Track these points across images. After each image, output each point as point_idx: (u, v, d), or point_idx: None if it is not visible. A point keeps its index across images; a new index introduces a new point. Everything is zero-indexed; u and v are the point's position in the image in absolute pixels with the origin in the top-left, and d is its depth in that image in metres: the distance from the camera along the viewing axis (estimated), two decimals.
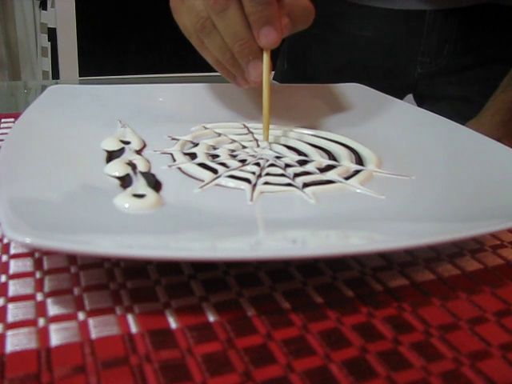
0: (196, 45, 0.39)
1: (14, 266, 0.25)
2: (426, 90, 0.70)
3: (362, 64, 0.70)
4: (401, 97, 0.67)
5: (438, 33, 0.65)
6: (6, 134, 0.43)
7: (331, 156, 0.38)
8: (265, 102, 0.38)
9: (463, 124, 0.41)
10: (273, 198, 0.31)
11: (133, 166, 0.33)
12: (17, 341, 0.20)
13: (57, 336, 0.21)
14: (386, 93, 0.49)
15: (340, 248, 0.24)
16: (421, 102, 0.72)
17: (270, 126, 0.43)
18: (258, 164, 0.35)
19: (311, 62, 0.74)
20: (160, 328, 0.22)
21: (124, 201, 0.28)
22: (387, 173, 0.35)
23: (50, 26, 1.77)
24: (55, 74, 1.78)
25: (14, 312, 0.22)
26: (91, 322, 0.22)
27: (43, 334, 0.21)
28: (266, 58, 0.37)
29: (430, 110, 0.43)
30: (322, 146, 0.40)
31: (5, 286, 0.24)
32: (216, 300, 0.23)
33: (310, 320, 0.22)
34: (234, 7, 0.35)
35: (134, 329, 0.21)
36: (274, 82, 0.72)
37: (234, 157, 0.36)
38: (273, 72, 0.68)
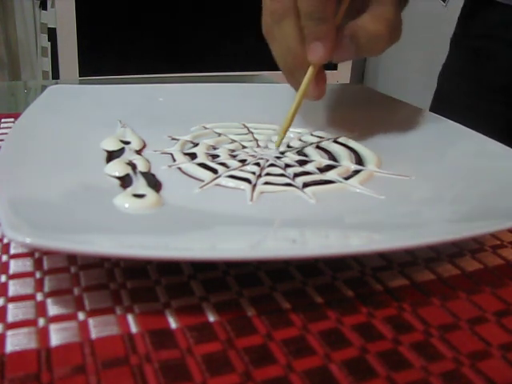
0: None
1: (14, 266, 0.25)
2: None
3: None
4: None
5: None
6: (5, 133, 0.43)
7: (331, 156, 0.38)
8: (290, 114, 0.38)
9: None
10: (273, 197, 0.31)
11: (133, 165, 0.33)
12: (17, 341, 0.20)
13: (57, 336, 0.21)
14: None
15: (340, 248, 0.24)
16: None
17: (271, 126, 0.43)
18: (257, 164, 0.35)
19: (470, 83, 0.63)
20: (160, 328, 0.22)
21: (124, 201, 0.28)
22: (387, 173, 0.35)
23: (49, 26, 1.77)
24: (55, 74, 1.78)
25: (14, 312, 0.22)
26: (91, 322, 0.22)
27: (43, 334, 0.21)
28: (310, 72, 0.36)
29: None
30: (322, 146, 0.40)
31: (5, 286, 0.24)
32: (216, 300, 0.23)
33: (310, 320, 0.22)
34: (290, 19, 0.35)
35: (134, 329, 0.21)
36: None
37: (233, 157, 0.36)
38: None
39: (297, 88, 0.38)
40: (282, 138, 0.38)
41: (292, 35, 0.35)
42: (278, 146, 0.38)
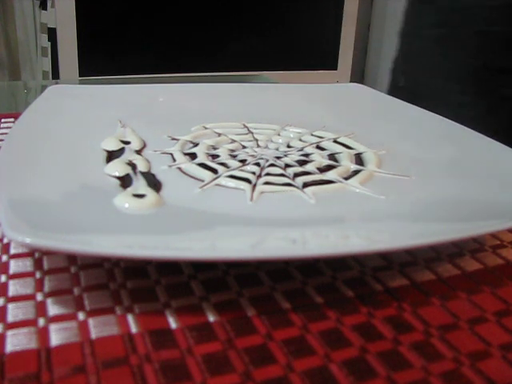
0: None
1: (14, 266, 0.25)
2: None
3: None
4: None
5: None
6: (6, 133, 0.43)
7: (331, 156, 0.38)
8: None
9: None
10: (273, 197, 0.31)
11: (133, 165, 0.33)
12: (17, 341, 0.20)
13: (57, 336, 0.21)
14: None
15: (340, 248, 0.24)
16: None
17: (271, 126, 0.43)
18: (258, 164, 0.35)
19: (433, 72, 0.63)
20: (160, 328, 0.22)
21: (124, 201, 0.28)
22: (387, 173, 0.35)
23: (49, 26, 1.77)
24: (55, 74, 1.78)
25: (14, 312, 0.22)
26: (91, 321, 0.22)
27: (43, 334, 0.21)
28: None
29: None
30: (322, 146, 0.40)
31: (5, 286, 0.24)
32: (216, 300, 0.23)
33: (310, 320, 0.22)
34: None
35: (134, 329, 0.21)
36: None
37: (234, 157, 0.36)
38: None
39: None
40: None
41: None
42: None
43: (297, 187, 0.32)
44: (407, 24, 0.67)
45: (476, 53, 0.61)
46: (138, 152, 0.36)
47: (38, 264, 0.25)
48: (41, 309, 0.22)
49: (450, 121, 0.40)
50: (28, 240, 0.20)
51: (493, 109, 0.60)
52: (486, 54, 0.60)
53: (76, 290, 0.24)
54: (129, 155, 0.35)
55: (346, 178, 0.34)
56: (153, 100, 0.46)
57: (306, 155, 0.38)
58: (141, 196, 0.29)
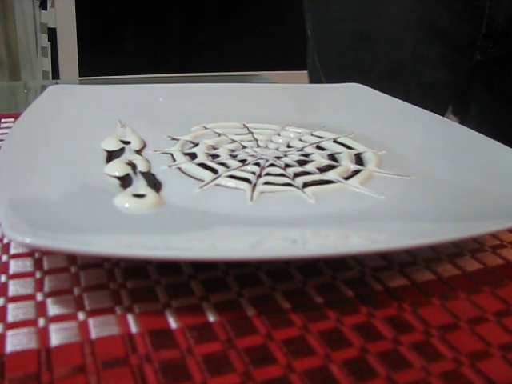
0: None
1: (14, 266, 0.25)
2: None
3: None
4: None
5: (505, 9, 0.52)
6: (6, 133, 0.43)
7: (331, 156, 0.38)
8: None
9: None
10: (273, 197, 0.31)
11: (133, 165, 0.33)
12: (17, 341, 0.20)
13: (57, 336, 0.21)
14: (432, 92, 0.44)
15: (340, 248, 0.24)
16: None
17: (271, 126, 0.43)
18: (258, 164, 0.35)
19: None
20: (160, 328, 0.22)
21: (124, 201, 0.28)
22: (387, 173, 0.35)
23: (49, 26, 1.77)
24: (55, 74, 1.78)
25: (14, 312, 0.22)
26: (91, 321, 0.22)
27: (43, 334, 0.21)
28: None
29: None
30: (322, 146, 0.40)
31: (5, 286, 0.24)
32: (216, 300, 0.23)
33: (310, 320, 0.22)
34: None
35: (133, 329, 0.21)
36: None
37: (234, 157, 0.36)
38: None
39: None
40: None
41: None
42: None
43: (297, 187, 0.32)
44: None
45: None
46: (138, 152, 0.36)
47: (37, 264, 0.25)
48: (41, 309, 0.22)
49: (450, 121, 0.40)
50: (28, 240, 0.20)
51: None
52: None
53: (76, 290, 0.24)
54: (129, 155, 0.35)
55: (346, 178, 0.34)
56: (153, 100, 0.46)
57: (306, 155, 0.38)
58: (141, 196, 0.29)
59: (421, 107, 0.39)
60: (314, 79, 0.73)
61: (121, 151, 0.36)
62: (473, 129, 0.37)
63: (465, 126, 0.38)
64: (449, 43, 0.56)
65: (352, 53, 0.63)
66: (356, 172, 0.35)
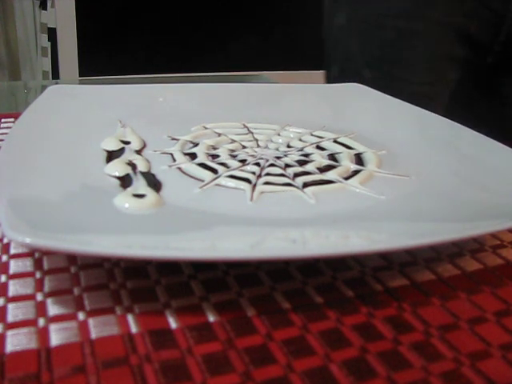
0: None
1: (14, 266, 0.25)
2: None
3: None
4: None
5: None
6: (6, 133, 0.43)
7: (331, 156, 0.38)
8: None
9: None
10: (273, 197, 0.31)
11: (133, 165, 0.33)
12: (17, 341, 0.20)
13: (57, 336, 0.21)
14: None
15: (340, 248, 0.24)
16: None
17: (271, 126, 0.43)
18: (258, 164, 0.35)
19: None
20: (160, 328, 0.22)
21: (124, 201, 0.28)
22: (387, 173, 0.35)
23: (49, 26, 1.77)
24: (55, 74, 1.78)
25: (14, 312, 0.22)
26: (91, 321, 0.22)
27: (43, 334, 0.21)
28: None
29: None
30: (322, 146, 0.40)
31: (5, 286, 0.24)
32: (216, 300, 0.23)
33: (310, 320, 0.22)
34: None
35: (134, 329, 0.21)
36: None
37: (234, 157, 0.36)
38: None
39: None
40: None
41: None
42: None
43: (297, 187, 0.32)
44: None
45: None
46: (138, 152, 0.36)
47: (38, 264, 0.25)
48: (41, 309, 0.22)
49: (450, 121, 0.40)
50: (28, 240, 0.20)
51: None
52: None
53: (76, 290, 0.24)
54: (129, 155, 0.35)
55: (346, 178, 0.34)
56: (153, 100, 0.46)
57: (306, 155, 0.38)
58: (141, 196, 0.29)
59: (443, 105, 0.40)
60: (335, 66, 0.75)
61: (121, 151, 0.36)
62: (473, 129, 0.38)
63: (465, 126, 0.39)
64: (472, 46, 0.63)
65: (396, 48, 0.68)
66: (356, 172, 0.35)
